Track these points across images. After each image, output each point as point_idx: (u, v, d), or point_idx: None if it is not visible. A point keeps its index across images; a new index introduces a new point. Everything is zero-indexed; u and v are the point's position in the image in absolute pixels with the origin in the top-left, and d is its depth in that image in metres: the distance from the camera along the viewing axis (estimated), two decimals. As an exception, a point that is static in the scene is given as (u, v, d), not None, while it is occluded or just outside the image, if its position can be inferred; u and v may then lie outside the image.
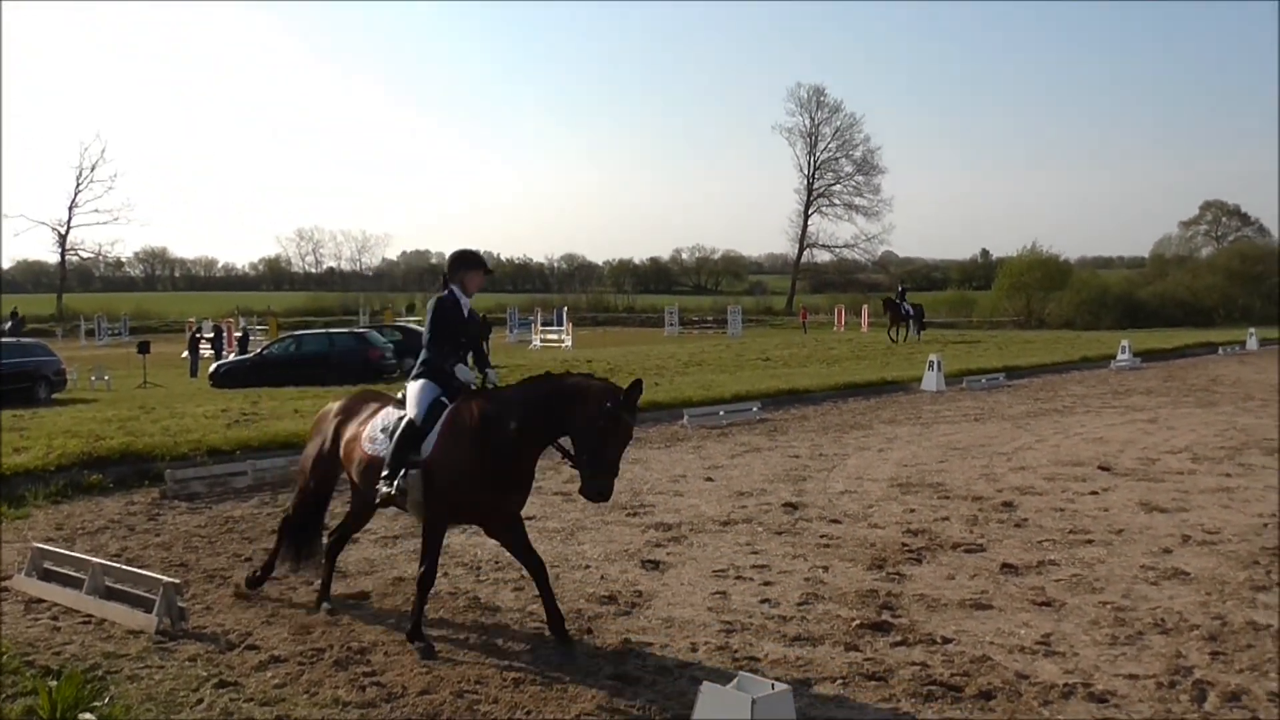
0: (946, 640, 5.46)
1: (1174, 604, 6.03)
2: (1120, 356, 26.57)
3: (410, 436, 5.59)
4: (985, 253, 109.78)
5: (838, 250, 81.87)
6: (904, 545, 7.52)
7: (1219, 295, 67.99)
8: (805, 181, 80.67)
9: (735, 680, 3.28)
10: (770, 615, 5.93)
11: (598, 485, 5.16)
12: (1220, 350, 32.40)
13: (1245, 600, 6.06)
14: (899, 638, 5.50)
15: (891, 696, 4.73)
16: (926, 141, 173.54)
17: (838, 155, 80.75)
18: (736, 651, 5.33)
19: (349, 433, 6.02)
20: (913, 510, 8.77)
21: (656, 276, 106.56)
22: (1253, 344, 34.23)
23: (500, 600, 6.29)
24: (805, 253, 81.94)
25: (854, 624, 5.71)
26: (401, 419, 5.69)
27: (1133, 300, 68.17)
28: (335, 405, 6.35)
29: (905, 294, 39.52)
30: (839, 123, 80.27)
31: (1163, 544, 7.47)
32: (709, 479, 10.36)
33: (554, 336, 42.43)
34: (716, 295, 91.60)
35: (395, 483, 5.52)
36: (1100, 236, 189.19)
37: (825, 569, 6.90)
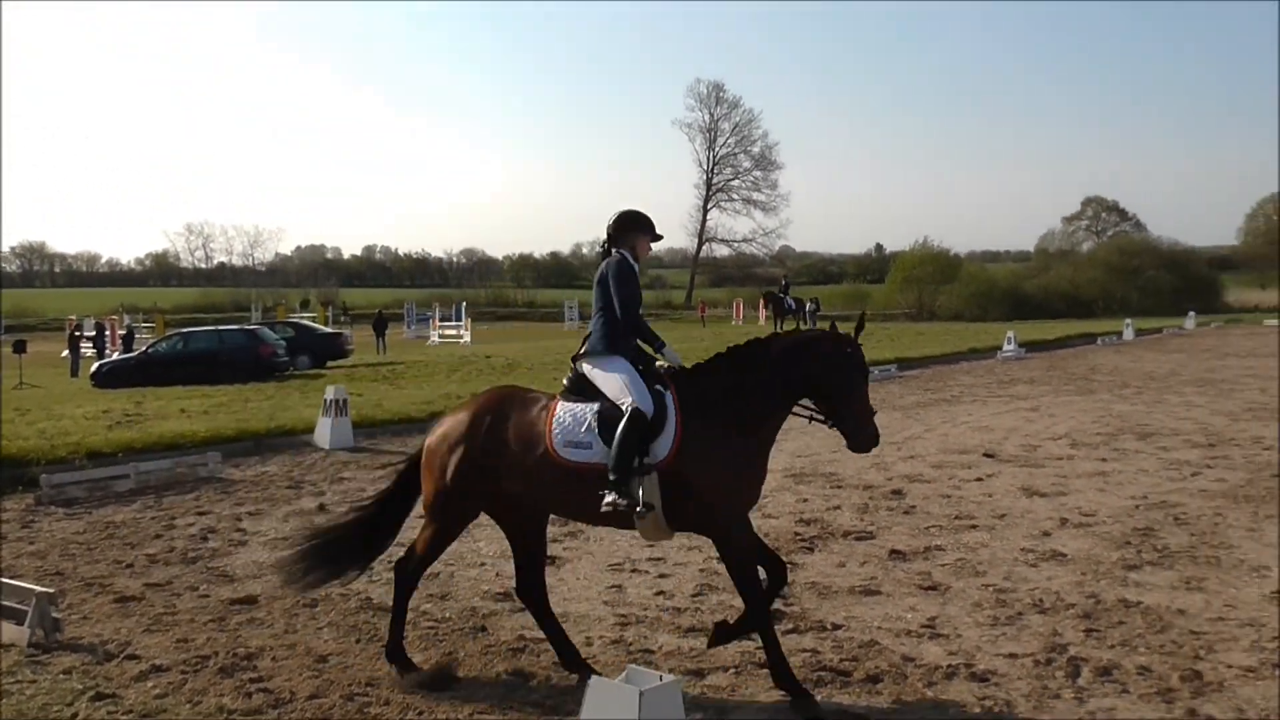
0: (836, 626, 5.57)
1: (1051, 584, 6.24)
2: (1006, 347, 27.36)
3: (641, 432, 4.59)
4: (880, 247, 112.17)
5: (736, 245, 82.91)
6: (797, 535, 7.64)
7: (1099, 288, 70.61)
8: (705, 176, 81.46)
9: (624, 673, 3.29)
10: (665, 607, 5.96)
11: (870, 431, 4.80)
12: (1099, 340, 33.62)
13: (1118, 579, 6.30)
14: (790, 625, 5.58)
15: (782, 683, 4.79)
16: (823, 139, 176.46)
17: (736, 151, 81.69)
18: (631, 644, 5.35)
19: (515, 446, 4.82)
20: (806, 500, 8.92)
21: (557, 271, 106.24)
22: (1129, 334, 35.61)
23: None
24: (704, 247, 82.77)
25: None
26: (606, 413, 4.68)
27: (1019, 293, 70.36)
28: (458, 426, 4.95)
29: (788, 288, 39.33)
30: (738, 118, 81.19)
31: (1042, 527, 7.73)
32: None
33: (452, 332, 42.02)
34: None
35: (631, 490, 4.53)
36: (988, 232, 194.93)
37: (719, 560, 6.95)
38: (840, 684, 4.77)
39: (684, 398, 4.71)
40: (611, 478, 4.52)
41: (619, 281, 4.95)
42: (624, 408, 4.63)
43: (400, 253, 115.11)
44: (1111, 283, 70.62)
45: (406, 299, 60.84)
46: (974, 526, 7.82)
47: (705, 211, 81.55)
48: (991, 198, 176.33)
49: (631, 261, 5.08)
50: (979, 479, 9.77)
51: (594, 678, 3.39)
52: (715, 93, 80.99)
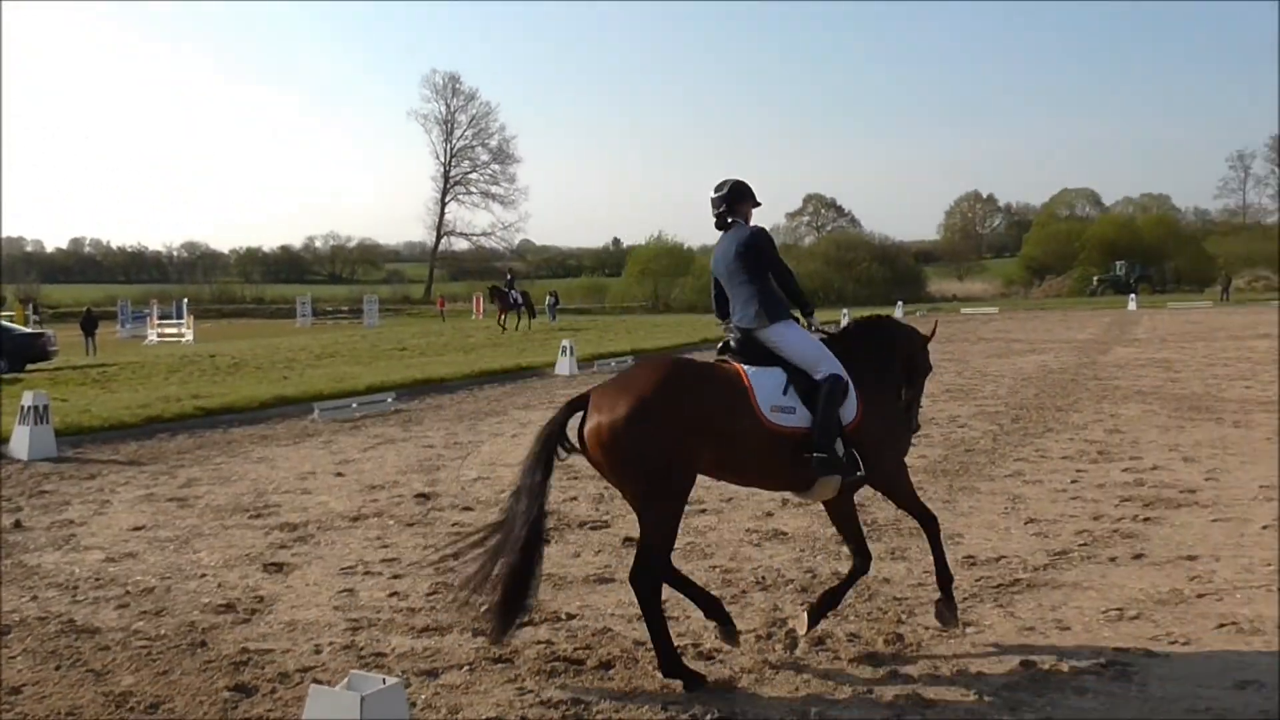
0: (571, 616, 5.64)
1: (773, 562, 6.58)
2: (736, 337, 28.55)
3: (844, 396, 4.84)
4: (617, 241, 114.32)
5: (475, 238, 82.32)
6: (533, 527, 7.67)
7: (819, 279, 74.77)
8: (442, 169, 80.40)
9: (345, 679, 3.20)
10: (399, 609, 5.85)
11: (918, 419, 5.46)
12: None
13: (832, 553, 6.72)
14: (525, 618, 5.60)
15: (517, 677, 4.81)
16: (561, 133, 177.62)
17: (474, 143, 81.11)
18: (363, 649, 5.22)
19: (720, 414, 4.66)
20: (543, 492, 8.97)
21: (288, 265, 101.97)
22: (845, 323, 37.98)
23: (101, 620, 5.76)
24: (443, 241, 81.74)
25: (483, 609, 5.75)
26: (796, 379, 4.84)
27: (747, 285, 73.35)
28: (649, 402, 4.59)
29: (513, 282, 38.70)
30: (475, 111, 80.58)
31: (765, 508, 8.12)
32: (339, 474, 10.07)
33: (173, 330, 39.59)
34: (352, 284, 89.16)
35: (839, 453, 4.76)
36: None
37: (455, 557, 6.90)
38: (574, 673, 4.84)
39: (865, 364, 5.11)
40: (822, 442, 4.71)
41: (777, 252, 5.17)
42: (818, 375, 4.85)
43: (113, 245, 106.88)
44: (830, 275, 75.03)
45: (120, 296, 56.68)
46: (704, 510, 8.11)
47: (444, 204, 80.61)
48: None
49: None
50: (709, 464, 10.14)
51: (313, 685, 3.28)
52: (451, 84, 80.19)
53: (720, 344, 5.25)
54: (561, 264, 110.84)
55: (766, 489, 5.40)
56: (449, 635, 5.39)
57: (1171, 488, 8.38)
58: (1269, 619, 5.19)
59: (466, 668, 4.94)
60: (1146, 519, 7.39)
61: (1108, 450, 10.18)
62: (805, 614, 5.09)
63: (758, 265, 5.09)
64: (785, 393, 4.81)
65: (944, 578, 5.16)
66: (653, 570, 4.67)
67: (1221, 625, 5.14)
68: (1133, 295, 54.61)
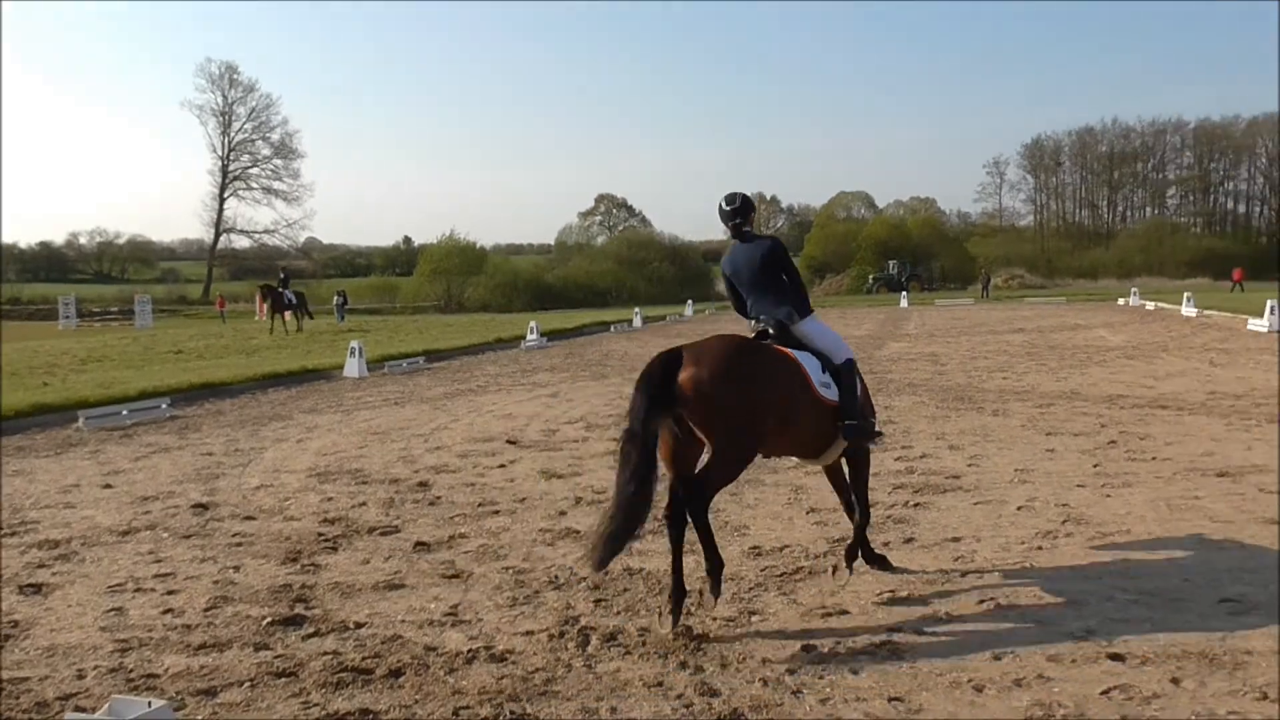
0: (360, 625, 5.49)
1: (566, 560, 6.60)
2: (529, 337, 28.51)
3: (858, 375, 6.00)
4: (408, 240, 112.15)
5: (258, 236, 78.91)
6: (320, 535, 7.43)
7: (612, 278, 75.59)
8: (220, 163, 76.66)
9: (107, 705, 3.00)
10: (173, 626, 5.54)
11: None
12: (612, 328, 36.08)
13: (625, 550, 6.78)
14: (312, 629, 5.42)
15: (302, 690, 4.64)
16: (349, 129, 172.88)
17: (254, 137, 77.69)
18: (132, 671, 4.90)
19: (784, 384, 5.46)
20: (330, 499, 8.70)
21: (49, 263, 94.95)
22: (638, 322, 38.55)
23: None
24: (223, 238, 77.96)
25: (265, 622, 5.53)
26: (825, 361, 5.83)
27: (541, 284, 73.61)
28: (730, 365, 5.29)
29: (288, 281, 37.12)
30: (254, 103, 77.20)
31: (559, 507, 8.15)
32: (107, 485, 9.45)
33: (-86, 336, 36.14)
34: (123, 284, 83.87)
35: (869, 421, 5.97)
36: (512, 225, 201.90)
37: (236, 569, 6.61)
38: (362, 683, 4.71)
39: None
40: (851, 412, 5.69)
41: (792, 259, 6.19)
42: (839, 359, 5.86)
43: None
44: (623, 273, 75.88)
45: None
46: (497, 512, 8.06)
47: (222, 200, 76.94)
48: (514, 193, 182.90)
49: None
50: (502, 465, 10.09)
51: (70, 714, 3.06)
52: (228, 74, 76.54)
53: (757, 334, 6.10)
54: (350, 263, 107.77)
55: (795, 454, 5.92)
56: (228, 651, 5.13)
57: (938, 474, 8.91)
58: (1023, 594, 5.59)
59: (248, 684, 4.72)
60: (917, 504, 7.83)
61: (882, 440, 10.73)
62: (842, 566, 5.98)
63: (776, 271, 6.09)
64: (824, 373, 5.75)
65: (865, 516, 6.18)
66: (707, 501, 5.25)
67: (982, 601, 5.50)
68: (904, 293, 57.85)
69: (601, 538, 5.11)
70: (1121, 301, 45.79)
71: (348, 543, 7.23)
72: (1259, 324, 24.76)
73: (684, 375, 5.37)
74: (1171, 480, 8.33)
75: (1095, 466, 8.99)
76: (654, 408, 5.36)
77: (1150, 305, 41.27)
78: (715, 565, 5.29)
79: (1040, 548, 6.51)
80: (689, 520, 5.23)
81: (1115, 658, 4.64)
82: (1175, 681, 4.36)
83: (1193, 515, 7.16)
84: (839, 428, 5.72)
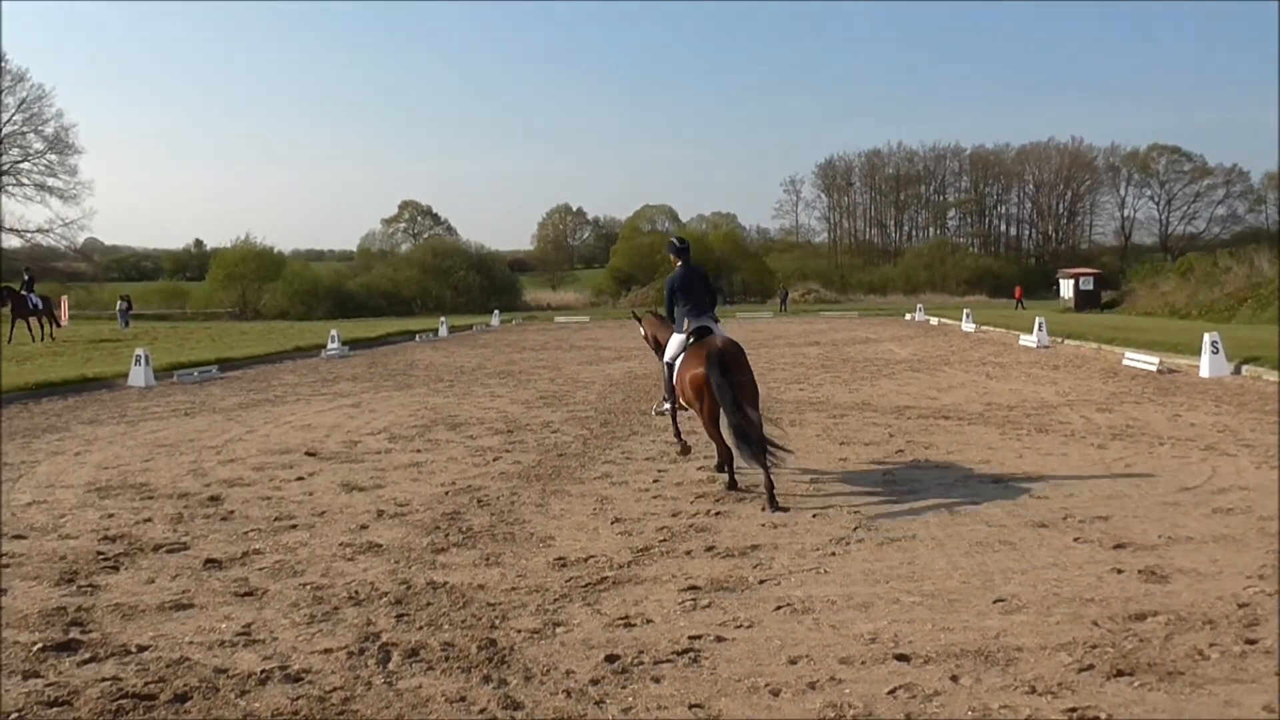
0: (143, 648, 5.18)
1: (367, 575, 6.42)
2: (330, 345, 27.72)
3: None
4: (199, 243, 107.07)
5: (30, 235, 73.33)
6: (100, 554, 6.98)
7: (416, 287, 74.31)
8: (-14, 157, 70.99)
9: None
10: (-68, 657, 5.08)
11: None
12: (417, 337, 35.49)
13: (427, 563, 6.68)
14: (89, 654, 5.08)
15: (76, 719, 4.34)
16: (134, 125, 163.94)
17: (25, 129, 72.25)
18: (-120, 708, 4.47)
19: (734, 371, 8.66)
20: (112, 515, 8.19)
21: None
22: (444, 331, 38.05)
23: None
24: (-10, 237, 72.07)
25: (35, 648, 5.15)
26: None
27: (343, 291, 71.69)
28: (703, 367, 8.54)
29: (33, 283, 33.05)
30: (25, 94, 71.82)
31: (360, 520, 7.94)
32: None
33: None
34: None
35: None
36: (312, 230, 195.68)
37: (2, 592, 6.13)
38: (145, 709, 4.44)
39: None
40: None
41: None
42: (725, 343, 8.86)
43: None
44: (428, 282, 74.73)
45: None
46: (294, 526, 7.78)
47: (-10, 196, 71.14)
48: (313, 197, 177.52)
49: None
50: (300, 478, 9.76)
51: None
52: (-7, 62, 70.87)
53: (697, 328, 9.30)
54: (136, 266, 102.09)
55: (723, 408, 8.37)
56: (-7, 683, 4.75)
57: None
58: (817, 599, 5.81)
59: (15, 716, 4.38)
60: (717, 513, 8.01)
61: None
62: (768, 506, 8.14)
63: (699, 290, 9.42)
64: (742, 363, 8.75)
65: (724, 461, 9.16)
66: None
67: (779, 608, 5.67)
68: (707, 306, 59.00)
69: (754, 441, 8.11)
70: (908, 316, 48.35)
71: (130, 561, 6.82)
72: (1029, 339, 26.64)
73: (723, 346, 8.71)
74: (952, 487, 8.83)
75: (885, 474, 9.44)
76: (723, 375, 8.38)
77: (934, 320, 43.74)
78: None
79: (834, 553, 6.77)
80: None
81: (901, 658, 4.87)
82: (954, 679, 4.62)
83: (970, 520, 7.61)
84: None
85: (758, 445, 7.97)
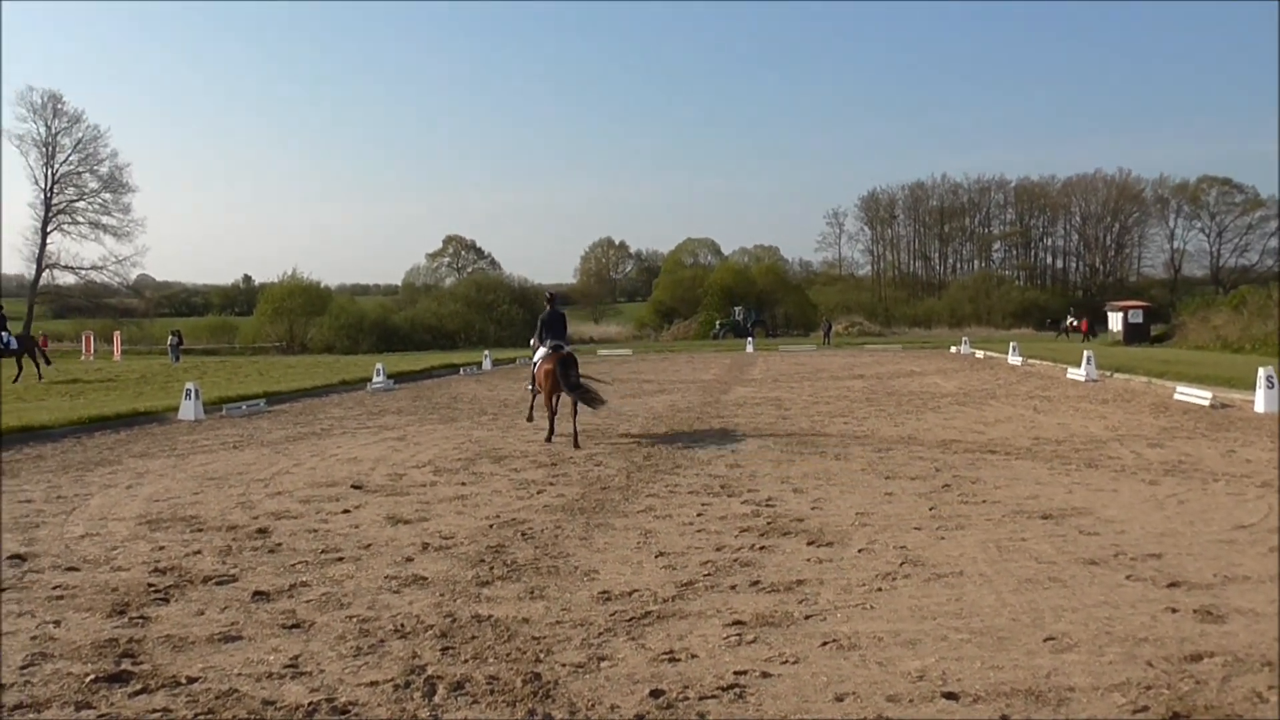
0: (192, 680, 5.23)
1: (413, 608, 6.46)
2: (376, 379, 27.95)
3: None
4: (248, 278, 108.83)
5: (84, 272, 74.93)
6: (150, 586, 7.08)
7: (460, 320, 74.86)
8: (43, 196, 72.80)
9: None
10: (-15, 686, 5.17)
11: None
12: (461, 371, 35.71)
13: (472, 596, 6.70)
14: (140, 685, 5.15)
15: (128, 752, 4.39)
16: (185, 163, 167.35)
17: (81, 169, 74.01)
18: (-63, 736, 4.56)
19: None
20: (162, 547, 8.31)
21: None
22: (487, 364, 38.25)
23: None
24: (45, 274, 73.78)
25: (88, 679, 5.23)
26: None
27: (388, 325, 72.39)
28: (549, 367, 14.88)
29: (4, 321, 29.66)
30: (81, 134, 73.63)
31: (405, 553, 7.98)
32: (-88, 537, 8.78)
33: None
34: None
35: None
36: (358, 265, 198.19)
37: (57, 623, 6.23)
38: (195, 741, 4.49)
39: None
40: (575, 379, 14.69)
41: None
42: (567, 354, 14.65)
43: None
44: (471, 315, 75.28)
45: None
46: (340, 559, 7.85)
47: (45, 234, 72.86)
48: (359, 232, 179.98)
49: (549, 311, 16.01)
50: (346, 511, 9.84)
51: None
52: (52, 104, 72.85)
53: (553, 346, 15.29)
54: (186, 301, 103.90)
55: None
56: (47, 712, 4.81)
57: (783, 517, 9.11)
58: (863, 635, 5.76)
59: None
60: (762, 548, 7.97)
61: (729, 484, 10.92)
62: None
63: (562, 328, 15.76)
64: (576, 365, 14.62)
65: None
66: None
67: (825, 644, 5.63)
68: (750, 339, 59.12)
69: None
70: (953, 349, 47.96)
71: (180, 593, 6.91)
72: (1077, 373, 26.30)
73: (563, 362, 14.61)
74: (1000, 523, 8.73)
75: (931, 510, 9.35)
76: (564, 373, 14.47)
77: (980, 354, 43.33)
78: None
79: (880, 589, 6.71)
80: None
81: (950, 696, 4.81)
82: (1005, 719, 4.55)
83: (1019, 556, 7.52)
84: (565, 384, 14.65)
85: (579, 390, 14.69)
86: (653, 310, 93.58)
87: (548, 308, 16.10)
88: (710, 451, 13.57)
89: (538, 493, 10.69)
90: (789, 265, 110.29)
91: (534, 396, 16.82)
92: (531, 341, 17.10)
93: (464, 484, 11.37)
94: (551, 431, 15.24)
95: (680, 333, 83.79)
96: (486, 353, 41.24)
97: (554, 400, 15.09)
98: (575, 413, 14.84)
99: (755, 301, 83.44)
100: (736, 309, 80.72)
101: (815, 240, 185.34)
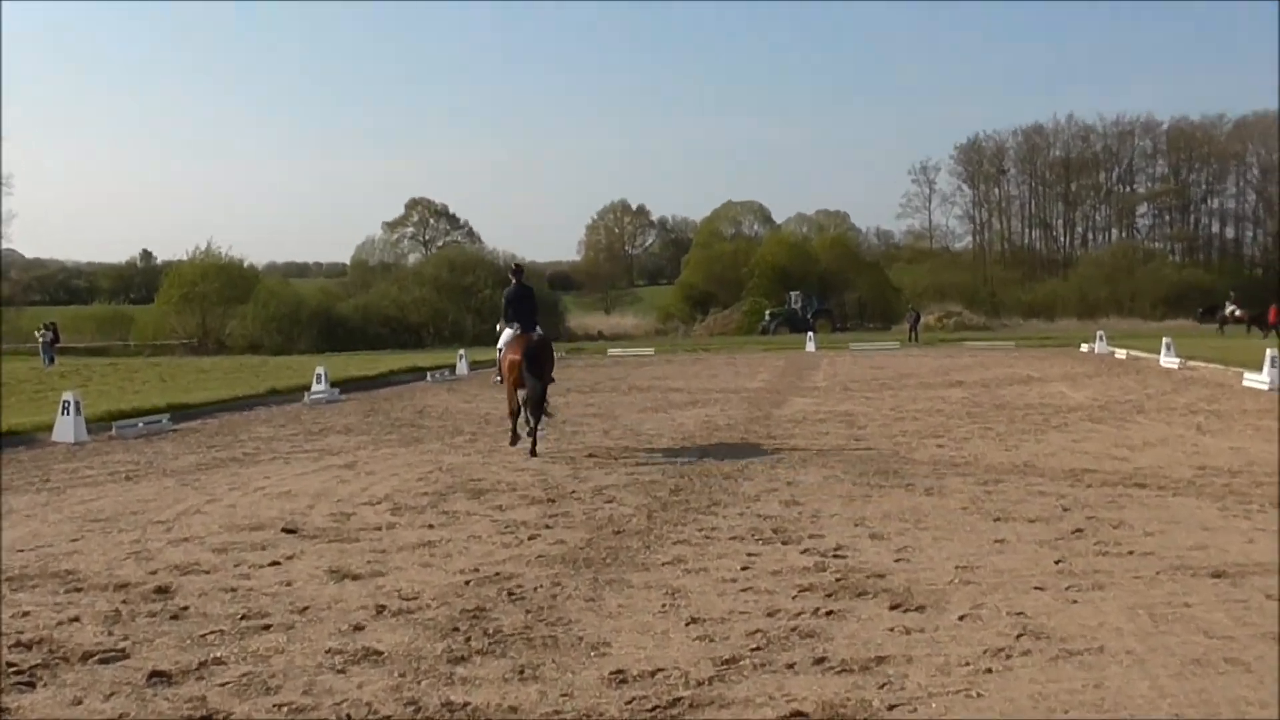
0: (67, 790, 5.21)
1: (363, 693, 6.41)
2: (316, 387, 28.07)
3: None
4: (147, 255, 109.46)
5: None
6: (11, 666, 7.05)
7: (428, 310, 75.12)
8: None
9: None
10: None
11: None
12: (429, 376, 35.82)
13: (442, 676, 6.66)
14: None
15: None
16: (64, 109, 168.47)
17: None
18: None
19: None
20: (27, 613, 8.29)
21: None
22: (463, 368, 38.34)
23: None
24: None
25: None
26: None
27: (333, 317, 72.72)
28: (512, 358, 16.71)
29: None
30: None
31: (354, 619, 7.95)
32: None
33: None
34: None
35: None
36: (294, 239, 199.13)
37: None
38: None
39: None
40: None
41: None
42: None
43: None
44: (443, 303, 75.49)
45: None
46: (268, 627, 7.82)
47: None
48: (297, 196, 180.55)
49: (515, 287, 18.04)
50: (275, 562, 9.83)
51: None
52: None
53: (520, 330, 17.25)
54: (65, 285, 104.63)
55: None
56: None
57: (857, 572, 9.04)
58: (969, 730, 5.67)
59: None
60: (829, 612, 7.90)
61: (784, 527, 10.85)
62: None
63: (531, 305, 17.81)
64: (550, 354, 17.56)
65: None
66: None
67: (916, 742, 5.55)
68: (810, 334, 59.16)
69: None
70: (1085, 348, 47.76)
71: (51, 675, 6.89)
72: (1257, 380, 25.89)
73: (530, 349, 16.66)
74: (1154, 581, 8.62)
75: (1058, 563, 9.25)
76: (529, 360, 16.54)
77: (1120, 353, 43.13)
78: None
79: (990, 670, 6.63)
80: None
81: (1088, 815, 4.73)
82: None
83: (1182, 628, 7.41)
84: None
85: (536, 404, 16.68)
86: (681, 296, 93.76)
87: (513, 282, 17.89)
88: (759, 484, 13.51)
89: (529, 538, 10.65)
90: (862, 237, 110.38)
91: (511, 399, 17.88)
92: (499, 326, 18.57)
93: (432, 526, 11.34)
94: (513, 436, 17.33)
95: (718, 325, 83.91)
96: (462, 352, 41.26)
97: (516, 396, 17.03)
98: (538, 411, 16.83)
99: (817, 285, 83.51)
100: (793, 295, 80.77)
101: (897, 204, 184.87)
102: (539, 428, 16.96)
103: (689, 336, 78.56)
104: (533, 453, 16.44)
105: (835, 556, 9.64)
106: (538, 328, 17.64)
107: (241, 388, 28.85)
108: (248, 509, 12.51)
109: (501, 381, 17.79)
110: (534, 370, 16.34)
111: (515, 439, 17.27)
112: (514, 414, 17.14)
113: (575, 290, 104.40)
